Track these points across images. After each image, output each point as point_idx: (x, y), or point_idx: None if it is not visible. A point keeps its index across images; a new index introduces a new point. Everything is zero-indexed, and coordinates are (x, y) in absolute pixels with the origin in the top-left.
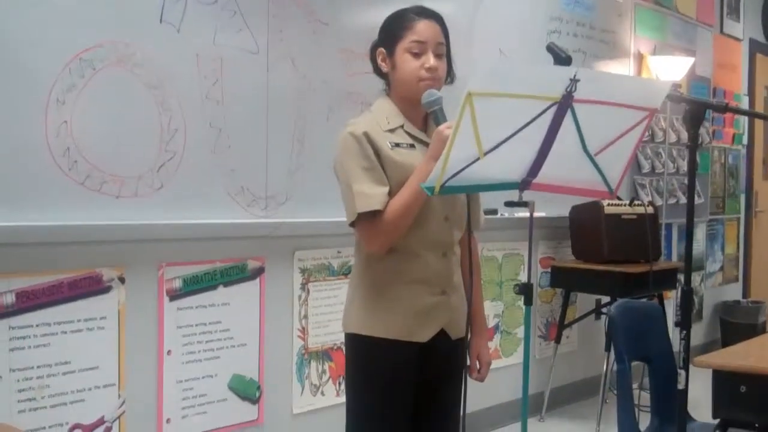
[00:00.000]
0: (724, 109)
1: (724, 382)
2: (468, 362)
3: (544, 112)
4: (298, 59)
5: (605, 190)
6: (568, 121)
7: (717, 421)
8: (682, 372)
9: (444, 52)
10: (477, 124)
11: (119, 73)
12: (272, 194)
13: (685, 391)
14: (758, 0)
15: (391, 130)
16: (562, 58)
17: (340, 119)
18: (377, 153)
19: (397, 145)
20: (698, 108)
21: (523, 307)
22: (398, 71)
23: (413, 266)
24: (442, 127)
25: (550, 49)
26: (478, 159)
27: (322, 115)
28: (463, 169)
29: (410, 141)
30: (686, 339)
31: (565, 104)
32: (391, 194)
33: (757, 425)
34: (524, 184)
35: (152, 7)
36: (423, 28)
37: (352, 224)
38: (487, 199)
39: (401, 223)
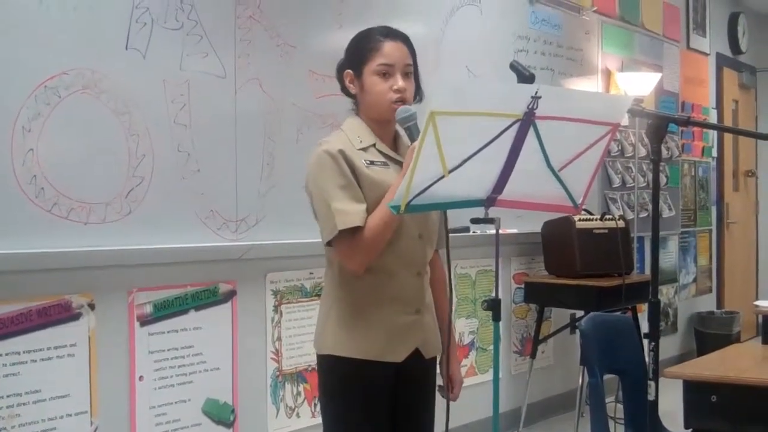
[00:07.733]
0: (686, 122)
1: (695, 392)
2: (441, 382)
3: (506, 129)
4: (266, 82)
5: (570, 204)
6: (531, 137)
7: (689, 431)
8: (652, 383)
9: (412, 72)
10: (440, 142)
11: (85, 100)
12: (242, 217)
13: (655, 402)
14: (724, 15)
15: (364, 149)
16: (525, 76)
17: (309, 141)
18: (353, 171)
19: (372, 163)
20: (660, 122)
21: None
22: (367, 94)
23: (390, 285)
24: (416, 143)
25: (513, 67)
26: (442, 177)
27: (292, 137)
28: (428, 188)
29: (383, 159)
30: (655, 350)
31: (527, 121)
32: (367, 212)
33: None
34: (490, 201)
35: (118, 34)
36: (390, 50)
37: (329, 243)
38: (455, 217)
39: (380, 240)
